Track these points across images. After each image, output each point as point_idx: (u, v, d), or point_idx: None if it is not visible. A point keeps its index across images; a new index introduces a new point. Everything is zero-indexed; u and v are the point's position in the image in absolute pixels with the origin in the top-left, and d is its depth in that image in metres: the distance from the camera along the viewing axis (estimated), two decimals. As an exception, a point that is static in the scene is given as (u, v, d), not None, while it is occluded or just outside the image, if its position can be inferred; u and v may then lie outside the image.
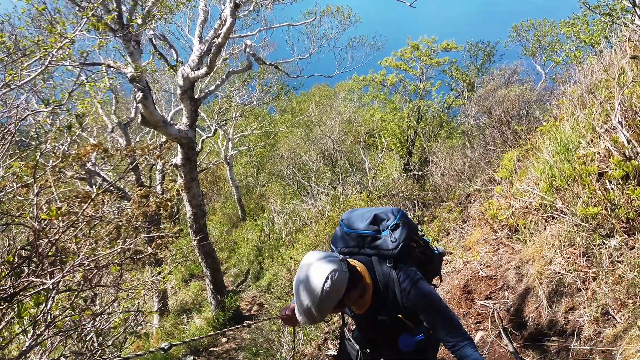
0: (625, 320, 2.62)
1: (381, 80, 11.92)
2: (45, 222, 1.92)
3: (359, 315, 2.23)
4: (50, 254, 1.94)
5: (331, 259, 1.89)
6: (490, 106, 7.57)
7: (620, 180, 3.17)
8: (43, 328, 2.01)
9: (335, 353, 4.82)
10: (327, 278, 1.82)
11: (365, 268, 2.08)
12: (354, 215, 2.25)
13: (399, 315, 2.06)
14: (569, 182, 3.58)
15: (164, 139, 11.62)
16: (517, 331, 3.38)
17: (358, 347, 2.38)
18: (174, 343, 2.06)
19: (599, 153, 3.66)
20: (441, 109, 11.37)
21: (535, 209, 4.09)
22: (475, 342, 3.61)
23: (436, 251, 2.44)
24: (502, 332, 3.43)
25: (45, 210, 1.88)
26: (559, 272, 3.25)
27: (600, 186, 3.30)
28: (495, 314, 3.64)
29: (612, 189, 3.24)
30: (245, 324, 2.65)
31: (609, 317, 2.75)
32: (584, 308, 2.92)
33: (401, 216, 2.19)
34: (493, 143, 6.91)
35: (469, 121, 9.02)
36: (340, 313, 2.37)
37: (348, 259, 2.02)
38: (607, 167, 3.42)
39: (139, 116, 7.35)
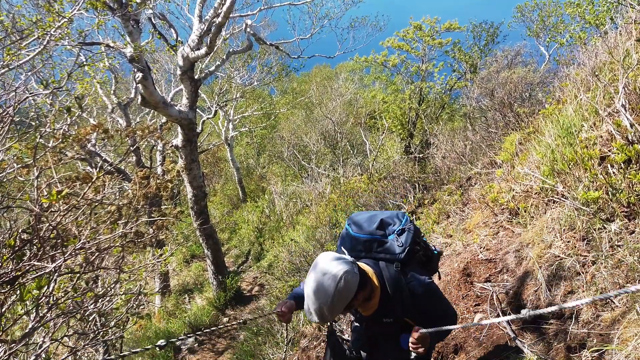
0: (623, 304, 2.64)
1: (383, 61, 11.78)
2: (46, 205, 1.92)
3: (363, 318, 2.31)
4: (51, 237, 1.95)
5: (344, 261, 1.97)
6: (493, 88, 7.50)
7: (622, 165, 3.16)
8: (46, 310, 2.03)
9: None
10: (340, 279, 1.90)
11: (373, 272, 2.15)
12: (361, 219, 2.33)
13: (405, 319, 2.16)
14: (570, 166, 3.56)
15: (164, 120, 11.58)
16: (516, 314, 3.40)
17: (355, 351, 2.49)
18: (172, 339, 2.08)
19: (601, 137, 3.64)
20: (443, 91, 11.28)
21: (536, 193, 4.08)
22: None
23: (435, 251, 2.56)
24: (500, 314, 3.46)
25: (46, 194, 1.88)
26: (559, 256, 3.26)
27: (602, 170, 3.29)
28: (494, 297, 3.67)
29: (613, 173, 3.23)
30: (237, 323, 2.67)
31: (608, 300, 2.77)
32: (583, 292, 2.94)
33: (406, 221, 2.30)
34: (495, 126, 6.87)
35: (471, 103, 8.96)
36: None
37: (357, 262, 2.09)
38: (609, 151, 3.40)
39: (139, 97, 7.30)
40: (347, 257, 2.05)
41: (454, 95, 12.12)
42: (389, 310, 2.18)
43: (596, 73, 4.21)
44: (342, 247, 2.35)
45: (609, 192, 3.16)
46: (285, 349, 5.42)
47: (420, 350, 2.05)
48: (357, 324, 2.46)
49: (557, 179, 3.76)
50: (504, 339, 3.31)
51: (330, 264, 1.96)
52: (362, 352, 2.50)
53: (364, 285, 2.03)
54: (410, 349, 2.08)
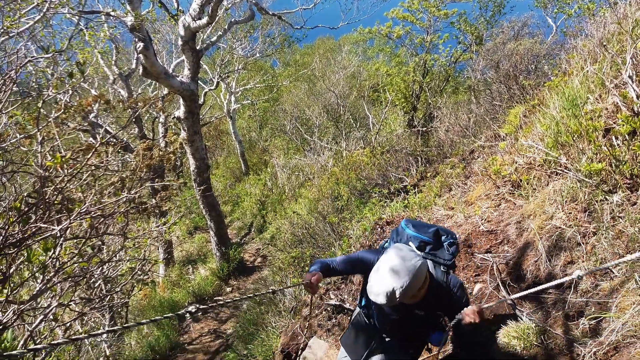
0: (622, 274, 2.67)
1: (387, 32, 11.57)
2: (50, 169, 1.92)
3: (398, 308, 2.51)
4: (56, 202, 1.96)
5: (418, 254, 2.32)
6: (498, 60, 7.38)
7: (626, 136, 3.14)
8: (52, 274, 2.06)
9: (336, 303, 4.96)
10: (419, 267, 2.18)
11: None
12: (419, 224, 2.69)
13: (438, 313, 2.49)
14: (574, 138, 3.55)
15: (166, 91, 11.49)
16: (515, 283, 3.45)
17: (378, 329, 2.76)
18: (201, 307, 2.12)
19: (606, 109, 3.61)
20: (448, 63, 11.10)
21: (539, 165, 4.08)
22: (473, 293, 3.71)
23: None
24: (500, 284, 3.51)
25: (49, 158, 1.88)
26: (560, 227, 3.28)
27: (606, 142, 3.27)
28: (495, 267, 3.71)
29: (618, 145, 3.21)
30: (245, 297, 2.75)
31: (607, 270, 2.80)
32: (583, 262, 2.97)
33: (456, 237, 2.67)
34: (499, 98, 6.80)
35: (475, 76, 8.84)
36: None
37: None
38: (614, 123, 3.38)
39: (141, 67, 7.23)
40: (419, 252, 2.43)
41: (458, 68, 11.93)
42: (426, 304, 2.43)
43: (604, 44, 4.13)
44: (392, 242, 2.67)
45: (612, 164, 3.15)
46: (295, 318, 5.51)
47: (476, 320, 2.26)
48: (388, 310, 2.62)
49: (561, 151, 3.75)
50: (503, 308, 3.36)
51: (410, 254, 2.24)
52: (382, 327, 2.74)
53: (426, 278, 2.30)
54: (466, 318, 2.29)
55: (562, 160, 3.65)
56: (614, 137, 3.27)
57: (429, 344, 2.75)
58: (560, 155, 3.69)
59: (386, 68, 11.79)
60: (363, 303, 2.87)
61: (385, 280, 2.16)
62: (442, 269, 2.50)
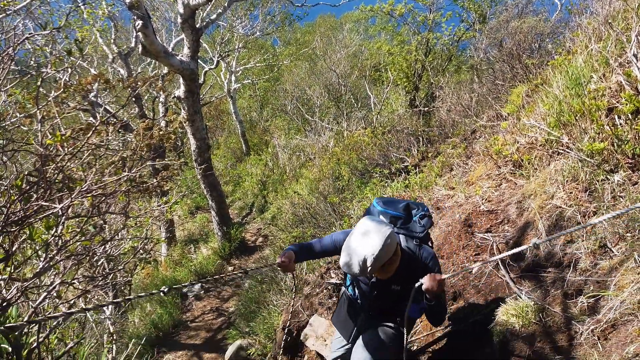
0: (622, 252, 2.68)
1: (389, 10, 11.40)
2: (51, 148, 1.92)
3: (375, 284, 2.61)
4: (57, 180, 1.96)
5: (388, 224, 2.32)
6: (502, 38, 7.31)
7: (629, 116, 3.12)
8: (55, 252, 2.08)
9: (337, 281, 5.01)
10: (388, 236, 2.21)
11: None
12: (388, 200, 2.74)
13: (411, 287, 2.39)
14: (577, 117, 3.53)
15: (166, 70, 11.40)
16: (515, 262, 3.47)
17: (361, 306, 2.81)
18: (175, 286, 2.15)
19: (610, 88, 3.58)
20: (450, 42, 10.97)
21: (540, 145, 4.06)
22: (473, 272, 3.74)
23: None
24: (500, 263, 3.53)
25: (49, 136, 1.88)
26: (560, 207, 3.28)
27: (608, 121, 3.26)
28: (494, 246, 3.73)
29: (620, 124, 3.20)
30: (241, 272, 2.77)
31: (606, 249, 2.81)
32: (582, 241, 2.98)
33: (427, 210, 2.72)
34: (502, 77, 6.74)
35: (478, 55, 8.74)
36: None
37: None
38: (617, 102, 3.35)
39: (140, 46, 7.16)
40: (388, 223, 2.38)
41: (461, 47, 11.80)
42: (400, 278, 2.50)
43: (609, 21, 4.07)
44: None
45: (615, 144, 3.14)
46: (294, 296, 5.56)
47: (435, 287, 2.28)
48: (365, 287, 2.71)
49: (563, 130, 3.73)
50: (502, 286, 3.39)
51: (379, 224, 2.27)
52: (364, 304, 2.80)
53: (396, 250, 2.36)
54: (426, 283, 2.30)
55: (564, 140, 3.63)
56: (616, 117, 3.25)
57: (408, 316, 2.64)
58: (562, 135, 3.67)
59: (388, 47, 11.67)
60: (348, 282, 2.95)
61: (355, 250, 2.20)
62: (414, 242, 2.55)
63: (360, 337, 2.79)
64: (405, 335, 2.53)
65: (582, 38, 4.53)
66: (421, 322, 4.11)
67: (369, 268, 2.18)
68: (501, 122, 5.23)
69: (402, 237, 2.56)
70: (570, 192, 3.34)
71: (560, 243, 3.14)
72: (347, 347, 2.92)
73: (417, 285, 2.33)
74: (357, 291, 2.85)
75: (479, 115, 6.46)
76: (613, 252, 2.77)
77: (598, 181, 3.12)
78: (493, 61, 7.60)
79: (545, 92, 4.33)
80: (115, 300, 2.41)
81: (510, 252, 2.18)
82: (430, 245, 2.76)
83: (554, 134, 3.76)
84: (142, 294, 2.06)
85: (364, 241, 2.20)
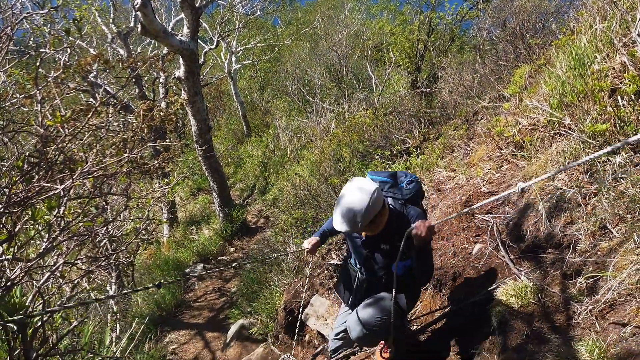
0: (622, 234, 2.69)
1: (392, -11, 11.23)
2: (52, 129, 1.92)
3: (365, 242, 2.81)
4: (58, 161, 1.97)
5: (373, 184, 2.50)
6: (505, 18, 7.21)
7: (633, 97, 3.10)
8: (57, 232, 2.09)
9: (337, 262, 5.06)
10: (374, 192, 2.41)
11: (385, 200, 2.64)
12: (380, 172, 2.92)
13: (398, 244, 2.55)
14: (579, 98, 3.50)
15: (165, 50, 11.30)
16: (515, 244, 3.49)
17: (357, 269, 2.99)
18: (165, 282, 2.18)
19: (614, 68, 3.54)
20: (453, 22, 10.81)
21: (542, 126, 4.04)
22: (473, 253, 3.77)
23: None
24: (500, 244, 3.55)
25: (50, 117, 1.87)
26: (561, 188, 3.29)
27: (611, 102, 3.23)
28: (495, 228, 3.74)
29: (623, 105, 3.17)
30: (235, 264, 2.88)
31: (606, 230, 2.82)
32: (582, 222, 2.99)
33: (416, 177, 2.90)
34: (505, 58, 6.67)
35: (481, 35, 8.64)
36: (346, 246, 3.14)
37: None
38: (620, 83, 3.32)
39: (139, 26, 7.07)
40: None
41: (464, 26, 11.62)
42: (389, 236, 2.68)
43: (614, 0, 4.01)
44: None
45: (617, 125, 3.12)
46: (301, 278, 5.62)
47: (423, 232, 2.39)
48: (358, 244, 2.90)
49: (565, 111, 3.71)
50: (502, 267, 3.42)
51: (365, 183, 2.47)
52: (360, 267, 2.98)
53: (384, 206, 2.55)
54: (415, 228, 2.42)
55: (566, 121, 3.61)
56: (619, 98, 3.23)
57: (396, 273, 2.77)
58: (565, 116, 3.65)
59: (390, 27, 11.50)
60: (350, 255, 3.13)
61: (345, 208, 2.41)
62: (400, 202, 2.73)
63: (357, 308, 2.92)
64: (393, 291, 2.68)
65: (586, 17, 4.47)
66: (421, 302, 4.16)
67: (359, 223, 2.39)
68: (503, 103, 5.20)
69: (389, 199, 2.72)
70: (572, 174, 3.34)
71: (561, 224, 3.15)
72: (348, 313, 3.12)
73: (407, 230, 2.45)
74: (352, 253, 3.04)
75: (481, 96, 6.42)
76: (613, 233, 2.78)
77: (599, 163, 3.12)
78: (496, 41, 7.52)
79: (548, 72, 4.29)
80: (109, 295, 2.44)
81: (494, 198, 2.22)
82: (422, 208, 2.90)
83: (557, 115, 3.74)
84: (139, 288, 2.09)
85: (352, 199, 2.40)
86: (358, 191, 2.42)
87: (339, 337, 3.38)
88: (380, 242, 2.73)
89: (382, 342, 3.35)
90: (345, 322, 3.06)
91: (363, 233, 2.81)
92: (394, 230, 2.63)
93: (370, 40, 15.94)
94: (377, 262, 2.84)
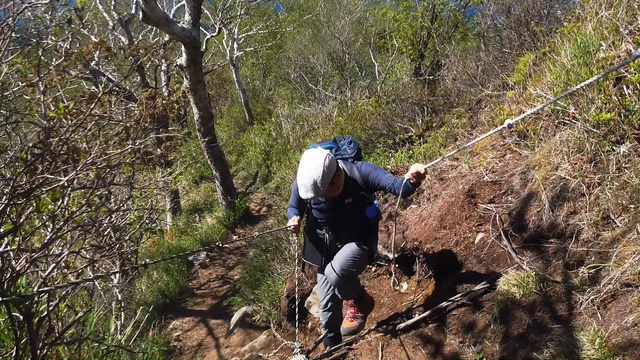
0: (625, 224, 2.69)
1: (395, -25, 11.09)
2: (55, 120, 1.92)
3: (331, 204, 3.14)
4: (62, 152, 1.97)
5: (324, 150, 2.86)
6: (510, 4, 7.11)
7: (638, 85, 3.07)
8: (62, 222, 2.10)
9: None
10: (326, 157, 2.77)
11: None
12: (318, 143, 3.28)
13: (362, 193, 3.05)
14: (584, 87, 3.47)
15: (167, 38, 11.24)
16: (517, 233, 3.49)
17: (325, 231, 3.29)
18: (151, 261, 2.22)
19: (619, 57, 3.50)
20: (457, 8, 10.69)
21: (546, 115, 4.02)
22: (475, 242, 3.78)
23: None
24: (502, 233, 3.55)
25: (53, 108, 1.87)
26: (564, 178, 3.28)
27: (616, 91, 3.21)
28: (497, 217, 3.75)
29: (628, 94, 3.15)
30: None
31: (609, 221, 2.82)
32: (585, 212, 2.99)
33: (352, 139, 3.29)
34: (509, 45, 6.60)
35: (485, 21, 8.53)
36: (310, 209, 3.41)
37: None
38: (626, 71, 3.29)
39: (140, 12, 7.02)
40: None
41: (468, 13, 11.49)
42: (349, 191, 3.05)
43: (621, -13, 3.95)
44: None
45: (622, 114, 3.10)
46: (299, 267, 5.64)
47: (422, 170, 2.67)
48: (323, 208, 3.23)
49: (570, 100, 3.68)
50: (504, 256, 3.43)
51: (316, 152, 2.83)
52: (328, 228, 3.29)
53: (338, 168, 2.92)
54: (413, 169, 2.69)
55: (570, 110, 3.59)
56: (624, 86, 3.20)
57: (368, 218, 3.18)
58: (569, 105, 3.63)
59: (393, 13, 11.40)
60: (309, 218, 3.46)
61: (306, 177, 2.75)
62: (349, 161, 3.10)
63: (331, 261, 3.24)
64: (370, 240, 3.25)
65: (592, 4, 4.41)
66: (422, 290, 4.18)
67: (321, 187, 2.73)
68: (507, 91, 5.16)
69: (340, 162, 3.05)
70: (575, 163, 3.33)
71: (564, 214, 3.15)
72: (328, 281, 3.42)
73: (405, 179, 2.73)
74: (317, 217, 3.34)
75: (484, 84, 6.37)
76: (616, 223, 2.78)
77: (603, 152, 3.10)
78: (500, 28, 7.43)
79: (553, 60, 4.25)
80: (135, 265, 2.45)
81: (481, 137, 2.30)
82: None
83: (561, 104, 3.71)
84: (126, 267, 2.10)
85: (309, 168, 2.74)
86: (313, 161, 2.75)
87: (328, 307, 3.57)
88: (343, 198, 3.08)
89: (351, 307, 3.57)
90: (327, 285, 3.45)
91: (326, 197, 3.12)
92: (351, 184, 3.03)
93: (373, 26, 15.78)
94: (344, 215, 3.16)
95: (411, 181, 2.72)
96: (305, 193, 2.78)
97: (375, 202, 3.14)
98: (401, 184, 2.76)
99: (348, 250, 3.20)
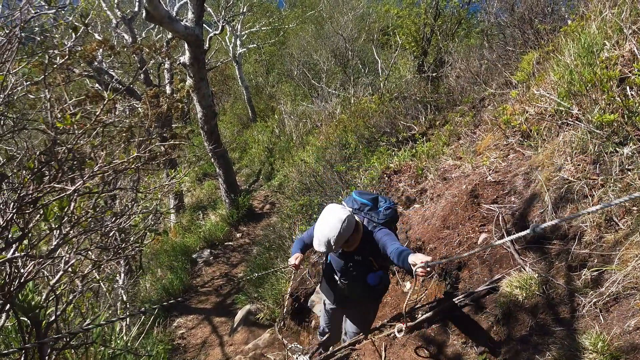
0: (627, 226, 2.69)
1: (398, -29, 11.03)
2: (61, 129, 1.93)
3: (343, 255, 3.23)
4: (68, 159, 1.99)
5: (346, 210, 2.91)
6: (514, 2, 7.08)
7: (642, 87, 3.06)
8: (68, 228, 2.13)
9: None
10: (345, 220, 2.82)
11: (359, 222, 3.07)
12: (364, 192, 3.34)
13: (370, 258, 3.13)
14: (588, 88, 3.46)
15: (170, 36, 11.24)
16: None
17: (338, 276, 3.44)
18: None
19: (623, 57, 3.50)
20: (461, 5, 10.64)
21: (550, 115, 4.02)
22: (478, 242, 3.78)
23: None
24: (505, 234, 3.56)
25: (59, 117, 1.89)
26: (568, 179, 3.28)
27: (620, 92, 3.20)
28: (500, 218, 3.75)
29: (632, 95, 3.14)
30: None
31: (612, 223, 2.82)
32: (588, 214, 2.99)
33: (393, 204, 3.28)
34: (513, 43, 6.58)
35: (489, 19, 8.50)
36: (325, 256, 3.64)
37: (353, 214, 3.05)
38: (629, 72, 3.29)
39: (143, 11, 7.02)
40: (348, 209, 3.03)
41: (472, 10, 11.43)
42: (361, 250, 3.12)
43: (626, -14, 3.93)
44: (344, 203, 3.29)
45: (625, 115, 3.09)
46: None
47: (422, 273, 2.52)
48: (336, 258, 3.36)
49: (573, 101, 3.67)
50: (507, 258, 3.44)
51: (338, 211, 2.88)
52: (340, 275, 3.42)
53: (357, 228, 2.99)
54: (418, 270, 2.51)
55: (573, 111, 3.59)
56: (628, 87, 3.19)
57: (369, 284, 3.27)
58: (572, 106, 3.62)
59: (396, 9, 11.33)
60: (328, 260, 3.57)
61: (321, 233, 2.84)
62: (373, 224, 3.10)
63: (346, 319, 3.74)
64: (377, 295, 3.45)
65: (596, 3, 4.39)
66: (426, 290, 4.20)
67: (334, 246, 2.83)
68: (511, 90, 5.15)
69: (365, 220, 3.12)
70: (578, 164, 3.33)
71: (566, 215, 3.16)
72: (332, 308, 3.80)
73: (410, 261, 2.57)
74: (331, 263, 3.49)
75: (488, 82, 6.36)
76: (619, 225, 2.78)
77: (607, 153, 3.10)
78: (504, 26, 7.40)
79: (557, 60, 4.24)
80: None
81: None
82: (394, 231, 3.26)
83: (564, 104, 3.71)
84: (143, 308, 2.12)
85: (326, 227, 2.82)
86: (333, 220, 2.83)
87: (326, 333, 4.02)
88: (354, 254, 3.17)
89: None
90: (328, 318, 3.92)
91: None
92: (367, 245, 3.07)
93: (376, 23, 15.75)
94: (351, 270, 3.27)
95: (412, 265, 2.61)
96: (318, 247, 2.89)
97: (380, 272, 3.23)
98: (400, 254, 2.72)
99: (356, 323, 3.69)
